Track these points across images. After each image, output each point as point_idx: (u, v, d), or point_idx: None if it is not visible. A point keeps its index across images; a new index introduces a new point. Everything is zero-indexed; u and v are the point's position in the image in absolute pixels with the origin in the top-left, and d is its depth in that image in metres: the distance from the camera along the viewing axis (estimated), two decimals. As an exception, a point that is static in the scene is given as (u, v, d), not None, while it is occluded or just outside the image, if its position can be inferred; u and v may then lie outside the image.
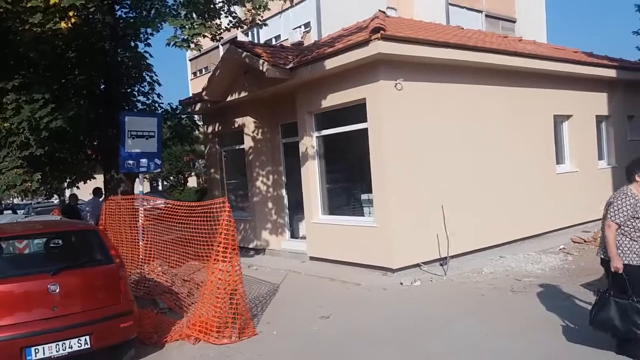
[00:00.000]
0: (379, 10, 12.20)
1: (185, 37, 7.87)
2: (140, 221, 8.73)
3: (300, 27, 24.05)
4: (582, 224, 12.51)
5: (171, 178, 24.65)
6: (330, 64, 9.20)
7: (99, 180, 12.57)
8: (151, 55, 11.17)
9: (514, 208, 10.83)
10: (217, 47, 30.55)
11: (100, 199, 13.32)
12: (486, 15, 26.75)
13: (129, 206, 9.25)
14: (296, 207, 12.11)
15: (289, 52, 10.98)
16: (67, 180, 10.69)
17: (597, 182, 13.23)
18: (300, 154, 10.67)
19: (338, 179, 10.73)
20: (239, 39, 27.77)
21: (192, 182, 30.35)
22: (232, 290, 6.40)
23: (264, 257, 11.95)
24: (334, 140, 10.49)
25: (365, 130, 9.34)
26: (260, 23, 11.33)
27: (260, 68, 9.92)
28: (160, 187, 32.53)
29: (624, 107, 14.30)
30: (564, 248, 10.61)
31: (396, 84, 9.02)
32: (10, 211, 24.67)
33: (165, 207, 8.18)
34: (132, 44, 10.69)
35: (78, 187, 11.46)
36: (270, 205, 11.98)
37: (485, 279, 8.55)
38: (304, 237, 11.97)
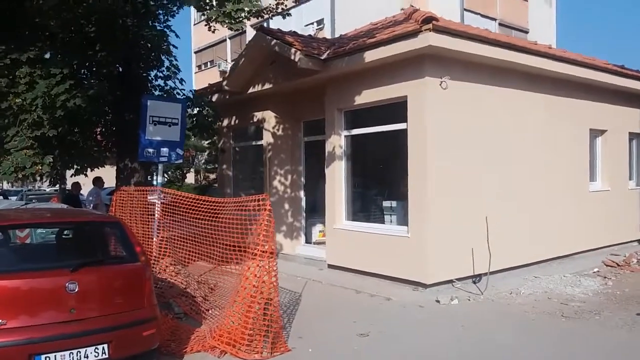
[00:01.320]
0: (411, 6, 11.58)
1: (228, 11, 7.10)
2: (156, 215, 7.95)
3: (312, 23, 23.35)
4: (609, 247, 11.92)
5: (169, 173, 23.80)
6: (371, 56, 8.50)
7: (103, 170, 11.80)
8: (177, 35, 10.35)
9: (546, 226, 10.17)
10: (224, 40, 29.83)
11: (101, 189, 12.55)
12: (500, 24, 26.39)
13: (143, 198, 8.47)
14: (312, 211, 11.41)
15: (321, 43, 10.28)
16: (76, 166, 9.83)
17: (628, 202, 12.67)
18: (326, 154, 9.95)
19: (366, 183, 10.01)
20: (247, 32, 27.18)
21: (191, 178, 29.48)
22: (267, 299, 5.65)
23: (278, 261, 11.16)
24: (364, 141, 9.79)
25: (403, 131, 8.65)
26: (284, 12, 10.62)
27: (292, 57, 9.21)
28: (155, 182, 31.53)
29: (657, 125, 13.75)
30: (598, 271, 10.00)
31: (441, 81, 8.34)
32: (0, 197, 23.49)
33: (188, 201, 7.41)
34: (152, 24, 9.92)
35: (86, 175, 10.62)
36: (287, 206, 11.23)
37: (526, 301, 7.88)
38: (317, 243, 11.28)
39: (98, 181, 11.87)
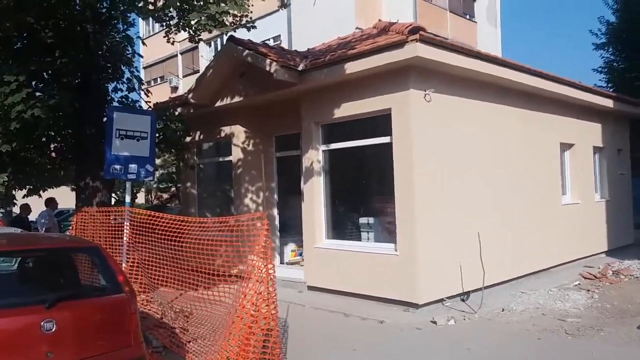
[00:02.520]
0: (379, 20, 11.36)
1: (213, 14, 6.52)
2: (125, 238, 7.18)
3: (269, 39, 22.94)
4: (582, 259, 11.97)
5: (118, 193, 22.50)
6: (353, 67, 8.12)
7: (54, 191, 10.81)
8: (144, 43, 9.58)
9: (526, 240, 10.06)
10: (175, 55, 28.96)
11: (54, 211, 11.54)
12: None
13: (107, 220, 7.70)
14: (284, 230, 10.84)
15: (294, 54, 9.82)
16: (28, 186, 8.83)
17: (595, 215, 12.82)
18: (303, 170, 9.45)
19: (348, 200, 9.53)
20: (200, 47, 26.45)
21: (141, 198, 28.11)
22: (267, 329, 5.07)
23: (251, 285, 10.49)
24: (343, 156, 9.36)
25: (387, 145, 8.30)
26: (249, 25, 10.08)
27: (267, 68, 8.71)
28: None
29: (615, 139, 14.10)
30: (579, 284, 9.94)
31: (426, 94, 8.07)
32: None
33: (166, 222, 6.70)
34: (111, 33, 9.17)
35: (40, 196, 9.61)
36: (259, 225, 10.57)
37: (522, 318, 7.61)
38: (290, 263, 10.73)
39: (51, 202, 10.86)
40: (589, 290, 9.33)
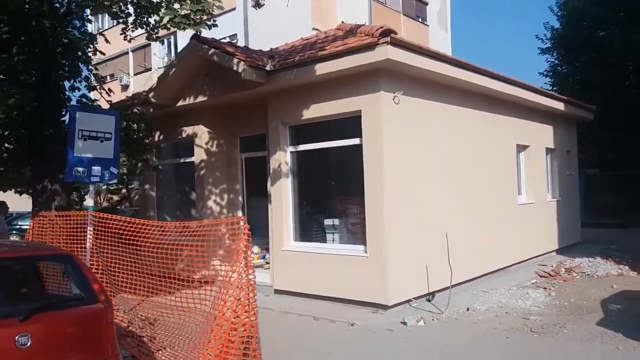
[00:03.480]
0: (342, 22, 11.37)
1: (187, 13, 6.31)
2: (88, 244, 6.87)
3: (225, 38, 22.60)
4: (535, 257, 12.40)
5: (73, 195, 21.57)
6: (323, 68, 8.08)
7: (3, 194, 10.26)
8: (107, 40, 9.18)
9: (486, 240, 10.31)
10: (127, 52, 28.10)
11: (5, 216, 10.95)
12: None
13: (66, 225, 7.34)
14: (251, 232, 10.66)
15: (261, 54, 9.68)
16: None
17: (548, 214, 13.30)
18: (271, 171, 9.33)
19: (316, 201, 9.48)
20: (152, 45, 25.77)
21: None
22: (247, 337, 4.96)
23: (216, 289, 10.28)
24: (312, 157, 9.31)
25: (356, 147, 8.31)
26: (209, 24, 9.88)
27: (235, 68, 8.54)
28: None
29: (565, 141, 14.69)
30: (536, 282, 10.28)
31: (395, 96, 8.14)
32: None
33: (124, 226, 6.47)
34: (69, 29, 8.77)
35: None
36: (223, 228, 10.38)
37: (488, 317, 7.79)
38: (255, 267, 10.55)
39: (1, 206, 10.27)
40: (545, 288, 9.65)
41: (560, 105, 13.29)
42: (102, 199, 26.66)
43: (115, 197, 25.47)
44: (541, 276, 10.88)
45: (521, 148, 12.48)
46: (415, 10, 31.39)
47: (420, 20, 31.79)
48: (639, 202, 20.54)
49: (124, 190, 24.75)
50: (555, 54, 26.25)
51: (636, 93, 22.35)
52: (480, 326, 7.32)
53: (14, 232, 18.76)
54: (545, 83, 26.05)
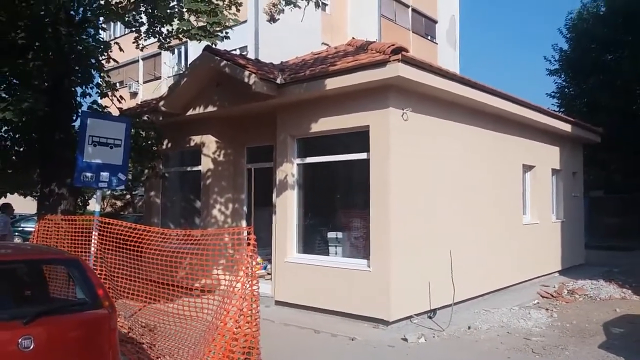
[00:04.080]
0: (353, 38, 11.47)
1: (204, 25, 6.40)
2: (93, 248, 6.91)
3: (235, 50, 22.80)
4: (538, 278, 12.37)
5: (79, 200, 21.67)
6: (333, 83, 8.16)
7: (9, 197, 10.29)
8: (121, 48, 9.31)
9: (490, 259, 10.32)
10: (137, 60, 28.35)
11: (10, 218, 11.01)
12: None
13: (72, 229, 7.39)
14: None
15: (272, 67, 9.78)
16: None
17: (552, 235, 13.28)
18: (277, 183, 9.39)
19: (320, 214, 9.51)
20: (162, 54, 25.97)
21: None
22: (248, 348, 4.97)
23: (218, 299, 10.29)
24: (318, 170, 9.37)
25: (363, 161, 8.36)
26: (222, 36, 10.01)
27: (246, 80, 8.63)
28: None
29: (571, 163, 14.71)
30: (538, 303, 10.25)
31: (403, 112, 8.20)
32: None
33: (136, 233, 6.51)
34: (84, 37, 8.89)
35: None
36: (226, 238, 10.42)
37: (489, 336, 7.77)
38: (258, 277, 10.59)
39: (7, 208, 10.36)
40: (547, 309, 9.62)
41: (567, 127, 13.33)
42: (105, 204, 26.76)
43: (119, 203, 25.55)
44: (543, 297, 10.84)
45: (527, 168, 12.51)
46: (424, 28, 31.60)
47: (429, 38, 31.98)
48: (643, 225, 20.53)
49: (127, 196, 24.85)
50: (563, 76, 26.39)
51: (643, 116, 22.43)
52: (482, 345, 7.31)
53: (16, 234, 18.80)
54: (552, 104, 26.18)
